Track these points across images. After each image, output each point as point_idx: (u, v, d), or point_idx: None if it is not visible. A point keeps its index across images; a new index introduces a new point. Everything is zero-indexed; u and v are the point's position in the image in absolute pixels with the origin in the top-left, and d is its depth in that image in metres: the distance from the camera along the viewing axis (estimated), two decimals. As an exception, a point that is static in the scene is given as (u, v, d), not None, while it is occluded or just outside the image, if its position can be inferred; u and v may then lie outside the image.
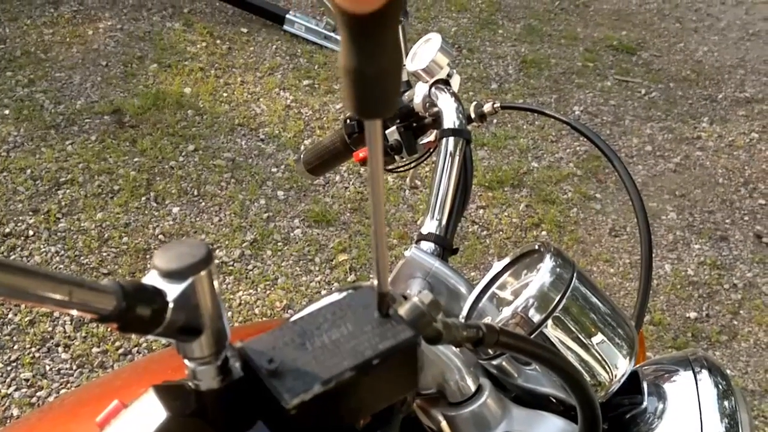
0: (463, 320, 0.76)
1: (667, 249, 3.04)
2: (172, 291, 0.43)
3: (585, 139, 3.59)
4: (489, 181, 3.27)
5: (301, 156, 1.35)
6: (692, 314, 2.76)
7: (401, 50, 0.37)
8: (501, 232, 3.03)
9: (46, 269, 0.36)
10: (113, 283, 0.40)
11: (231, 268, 2.71)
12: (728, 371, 1.59)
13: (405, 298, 0.72)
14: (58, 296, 0.36)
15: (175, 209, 2.94)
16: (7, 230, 2.74)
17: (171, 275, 0.43)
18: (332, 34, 4.10)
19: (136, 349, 2.40)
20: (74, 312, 0.38)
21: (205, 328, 0.45)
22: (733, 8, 5.14)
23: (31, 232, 2.75)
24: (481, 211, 3.13)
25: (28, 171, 3.01)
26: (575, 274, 0.72)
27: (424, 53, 1.10)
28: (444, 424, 0.70)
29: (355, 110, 0.37)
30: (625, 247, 3.02)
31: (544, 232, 3.05)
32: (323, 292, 2.67)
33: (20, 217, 2.80)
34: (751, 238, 3.14)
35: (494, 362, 0.72)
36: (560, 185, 3.33)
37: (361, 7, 0.33)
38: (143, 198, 2.96)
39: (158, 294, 0.42)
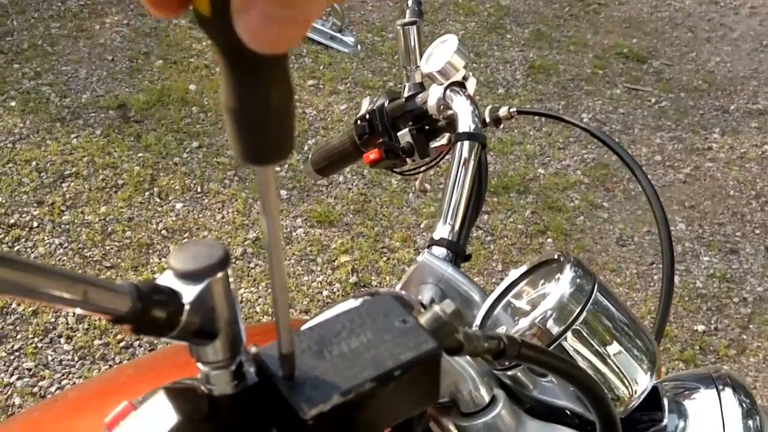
0: (477, 329, 0.74)
1: (676, 260, 3.01)
2: (188, 293, 0.41)
3: (595, 148, 3.53)
4: (495, 187, 3.25)
5: (309, 156, 1.34)
6: (700, 327, 2.73)
7: (291, 85, 0.32)
8: (506, 238, 3.01)
9: (60, 268, 0.35)
10: (128, 283, 0.38)
11: (233, 265, 2.69)
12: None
13: (423, 306, 0.70)
14: (71, 296, 0.35)
15: (179, 205, 2.92)
16: (12, 221, 2.73)
17: (187, 276, 0.41)
18: (338, 35, 4.08)
19: (138, 342, 2.39)
20: (85, 312, 0.36)
21: (220, 332, 0.43)
22: (747, 19, 5.12)
23: (35, 224, 2.73)
24: (486, 216, 3.11)
25: (33, 163, 3.00)
26: (596, 286, 0.69)
27: (439, 55, 1.08)
28: None
29: (240, 156, 0.33)
30: (632, 257, 3.00)
31: (549, 240, 3.03)
32: (324, 293, 2.65)
33: (25, 209, 2.78)
34: (762, 251, 3.11)
35: (509, 373, 0.70)
36: (567, 192, 3.31)
37: (273, 48, 0.28)
38: (147, 193, 2.95)
39: (174, 296, 0.41)
